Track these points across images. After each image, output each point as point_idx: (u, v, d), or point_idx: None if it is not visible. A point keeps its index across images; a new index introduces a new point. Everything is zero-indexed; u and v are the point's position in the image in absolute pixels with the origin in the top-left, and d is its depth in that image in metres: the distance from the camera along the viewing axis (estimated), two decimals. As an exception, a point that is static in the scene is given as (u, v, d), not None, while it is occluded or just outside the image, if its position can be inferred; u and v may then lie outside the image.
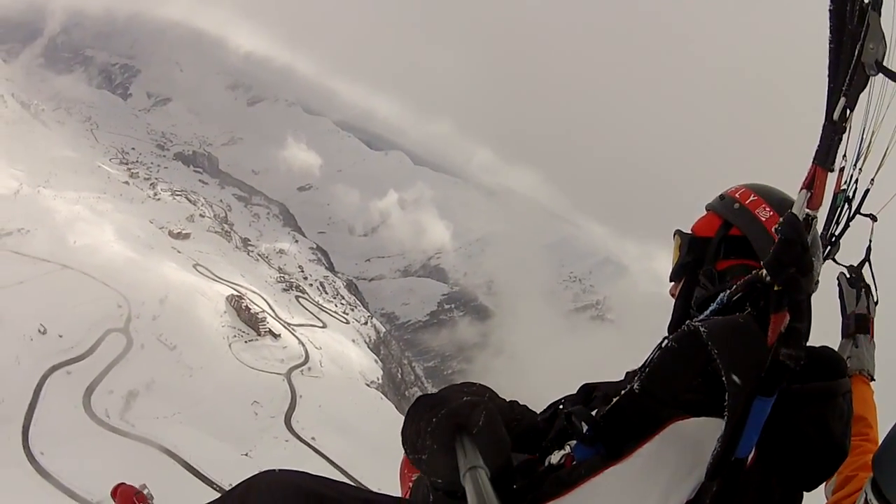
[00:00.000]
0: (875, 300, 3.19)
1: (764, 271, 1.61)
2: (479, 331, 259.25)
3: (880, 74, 1.85)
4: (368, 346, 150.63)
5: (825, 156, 1.94)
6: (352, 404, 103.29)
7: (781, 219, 1.62)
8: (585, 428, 1.88)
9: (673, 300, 2.57)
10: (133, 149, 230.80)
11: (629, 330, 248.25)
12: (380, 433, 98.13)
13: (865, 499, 1.56)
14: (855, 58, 1.88)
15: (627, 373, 2.31)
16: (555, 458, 1.93)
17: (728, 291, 1.80)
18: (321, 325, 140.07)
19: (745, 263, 2.34)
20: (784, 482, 1.72)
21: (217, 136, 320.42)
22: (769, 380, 1.49)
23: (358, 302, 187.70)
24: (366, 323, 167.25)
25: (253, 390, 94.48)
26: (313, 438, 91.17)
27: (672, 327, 2.44)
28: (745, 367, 1.48)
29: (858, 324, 3.13)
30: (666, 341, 1.80)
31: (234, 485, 2.31)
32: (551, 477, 1.78)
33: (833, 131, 1.93)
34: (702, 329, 1.57)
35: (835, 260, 2.76)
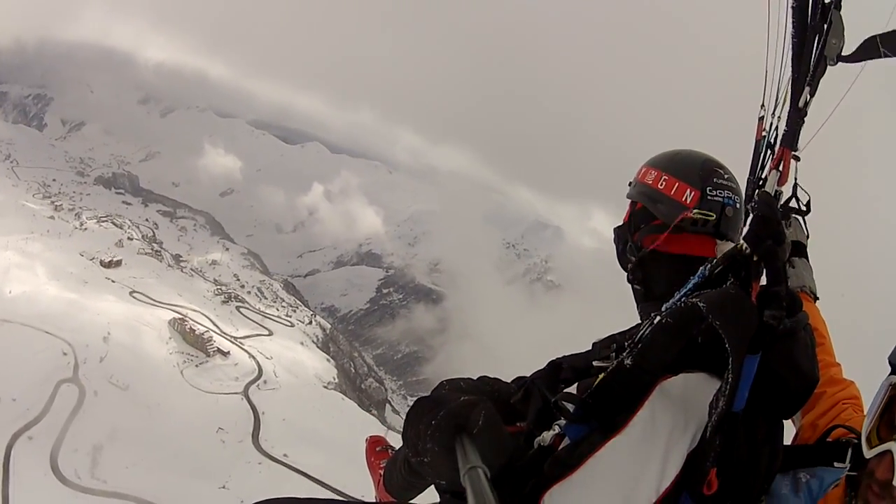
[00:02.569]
0: (806, 234, 3.33)
1: (743, 244, 1.82)
2: (436, 315, 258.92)
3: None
4: (317, 346, 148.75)
5: (792, 139, 2.19)
6: (315, 411, 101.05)
7: (756, 196, 1.91)
8: (573, 408, 1.98)
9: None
10: (54, 180, 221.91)
11: (580, 291, 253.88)
12: (349, 435, 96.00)
13: (893, 391, 1.63)
14: (818, 52, 2.11)
15: (594, 343, 2.47)
16: (543, 439, 2.02)
17: (709, 265, 1.97)
18: (267, 333, 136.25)
19: (651, 225, 2.53)
20: (766, 417, 1.84)
21: (134, 153, 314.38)
22: (756, 340, 1.68)
23: (298, 301, 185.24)
24: (310, 322, 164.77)
25: (214, 416, 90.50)
26: (286, 455, 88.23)
27: (637, 304, 2.63)
28: (745, 333, 1.66)
29: (794, 248, 3.29)
30: (660, 318, 1.92)
31: None
32: (550, 459, 1.85)
33: (798, 117, 2.16)
34: (700, 304, 1.74)
35: None
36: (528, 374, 2.58)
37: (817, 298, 3.23)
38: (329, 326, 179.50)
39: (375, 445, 3.28)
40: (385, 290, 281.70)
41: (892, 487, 1.61)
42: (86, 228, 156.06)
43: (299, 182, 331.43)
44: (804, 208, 3.19)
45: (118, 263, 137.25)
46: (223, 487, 78.75)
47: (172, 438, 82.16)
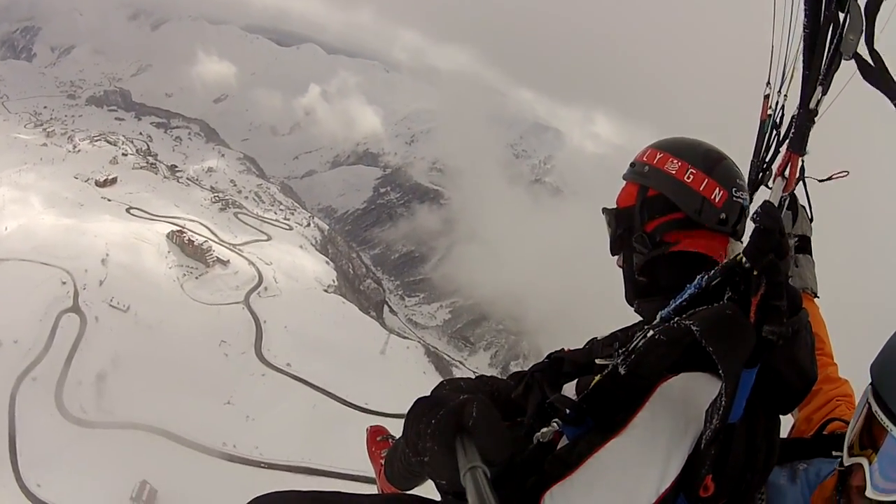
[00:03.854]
0: (810, 217, 3.24)
1: (742, 257, 1.72)
2: (435, 215, 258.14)
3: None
4: (316, 249, 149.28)
5: (800, 143, 2.08)
6: (316, 316, 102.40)
7: (758, 207, 1.77)
8: (567, 411, 1.95)
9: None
10: (45, 107, 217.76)
11: (581, 194, 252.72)
12: (351, 339, 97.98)
13: (869, 409, 1.66)
14: (833, 48, 1.99)
15: (594, 339, 2.47)
16: (544, 434, 1.99)
17: (707, 276, 1.87)
18: (266, 238, 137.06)
19: (671, 218, 2.43)
20: (765, 413, 1.85)
21: (125, 68, 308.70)
22: (754, 355, 1.64)
23: (296, 204, 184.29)
24: (308, 224, 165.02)
25: (216, 329, 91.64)
26: (289, 365, 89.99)
27: (630, 296, 2.55)
28: (739, 356, 1.62)
29: (798, 244, 3.25)
30: (653, 333, 1.86)
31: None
32: (549, 458, 1.85)
33: (808, 119, 2.04)
34: (694, 328, 1.67)
35: (767, 185, 2.81)
36: (527, 369, 2.51)
37: (817, 296, 3.22)
38: (327, 228, 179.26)
39: (376, 435, 3.26)
40: (382, 190, 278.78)
41: (865, 497, 1.73)
42: (79, 150, 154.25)
43: (295, 84, 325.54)
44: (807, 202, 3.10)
45: (113, 181, 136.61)
46: (228, 403, 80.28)
47: (176, 357, 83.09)
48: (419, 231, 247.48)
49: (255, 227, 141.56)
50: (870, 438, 1.69)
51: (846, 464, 1.77)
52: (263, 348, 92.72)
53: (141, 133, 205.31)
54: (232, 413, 78.52)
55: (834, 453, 2.08)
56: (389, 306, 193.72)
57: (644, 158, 2.53)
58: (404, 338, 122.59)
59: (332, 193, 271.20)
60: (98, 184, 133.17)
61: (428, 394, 1.98)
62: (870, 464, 1.67)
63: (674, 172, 2.42)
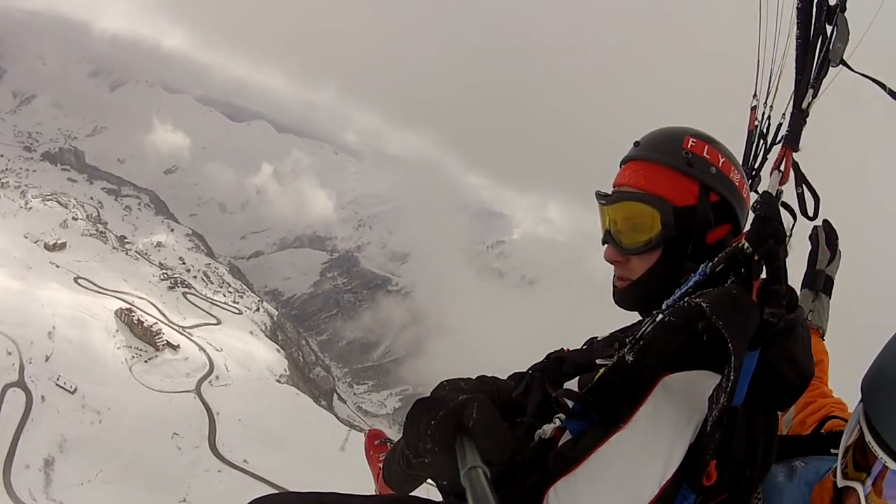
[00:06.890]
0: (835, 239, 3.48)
1: (745, 244, 1.79)
2: (382, 300, 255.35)
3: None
4: (266, 335, 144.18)
5: (794, 140, 2.19)
6: (270, 409, 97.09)
7: (758, 196, 1.85)
8: (572, 405, 1.94)
9: (611, 265, 2.41)
10: (2, 156, 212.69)
11: (542, 282, 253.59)
12: (306, 433, 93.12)
13: (860, 430, 1.66)
14: (823, 55, 2.14)
15: (590, 340, 2.45)
16: (545, 431, 2.02)
17: (710, 263, 1.94)
18: (216, 321, 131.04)
19: (729, 230, 2.28)
20: (764, 409, 1.88)
21: (81, 127, 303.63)
22: (757, 337, 1.71)
23: (245, 287, 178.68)
24: (258, 309, 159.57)
25: (168, 419, 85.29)
26: (245, 461, 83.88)
27: (644, 304, 2.33)
28: (746, 333, 1.67)
29: (827, 284, 3.47)
30: (663, 317, 1.90)
31: None
32: (552, 454, 1.86)
33: (801, 118, 2.17)
34: (704, 304, 1.72)
35: (756, 192, 2.85)
36: (526, 368, 2.49)
37: (823, 335, 3.32)
38: (276, 313, 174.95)
39: (374, 439, 3.15)
40: (329, 274, 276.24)
41: None
42: (30, 208, 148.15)
43: (246, 160, 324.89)
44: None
45: (62, 246, 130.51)
46: (183, 501, 74.17)
47: (126, 446, 77.20)
48: (363, 316, 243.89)
49: (205, 310, 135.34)
50: (863, 458, 1.70)
51: (839, 486, 1.79)
52: (218, 442, 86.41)
53: (92, 198, 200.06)
54: (189, 512, 71.61)
55: (832, 451, 2.09)
56: (338, 394, 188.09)
57: (706, 154, 2.25)
58: (361, 430, 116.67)
59: (279, 276, 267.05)
60: (47, 247, 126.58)
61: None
62: (863, 487, 1.69)
63: (737, 184, 2.27)
